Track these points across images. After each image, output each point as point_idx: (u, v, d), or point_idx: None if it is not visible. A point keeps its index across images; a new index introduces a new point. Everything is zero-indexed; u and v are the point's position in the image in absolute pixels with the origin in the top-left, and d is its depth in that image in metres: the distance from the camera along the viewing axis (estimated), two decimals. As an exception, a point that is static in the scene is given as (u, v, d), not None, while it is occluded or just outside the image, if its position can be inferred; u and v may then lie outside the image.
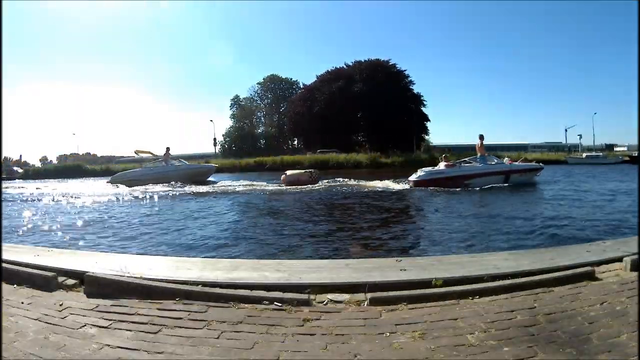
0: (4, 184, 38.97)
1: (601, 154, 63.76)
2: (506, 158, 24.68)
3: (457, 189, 20.03)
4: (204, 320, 3.46)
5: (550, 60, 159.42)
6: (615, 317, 3.29)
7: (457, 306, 3.69)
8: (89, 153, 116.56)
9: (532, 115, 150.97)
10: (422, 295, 3.87)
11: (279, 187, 24.35)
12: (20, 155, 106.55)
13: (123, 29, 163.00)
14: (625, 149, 79.25)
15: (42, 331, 3.29)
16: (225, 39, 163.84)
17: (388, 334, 3.16)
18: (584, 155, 61.32)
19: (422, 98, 70.90)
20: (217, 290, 4.05)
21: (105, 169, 60.06)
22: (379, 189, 21.67)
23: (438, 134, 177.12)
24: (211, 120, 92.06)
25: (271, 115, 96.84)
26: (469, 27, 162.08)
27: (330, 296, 3.99)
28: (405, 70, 71.54)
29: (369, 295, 3.87)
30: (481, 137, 22.43)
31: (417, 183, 21.39)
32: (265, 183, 27.53)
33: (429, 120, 72.09)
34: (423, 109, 70.95)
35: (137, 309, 3.72)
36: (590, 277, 4.25)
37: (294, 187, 24.05)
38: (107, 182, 34.15)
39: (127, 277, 4.37)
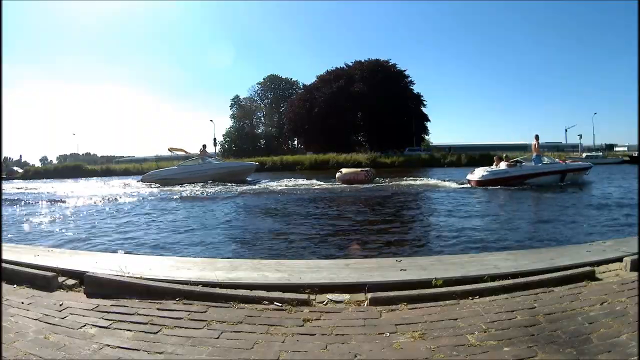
0: (22, 184, 38.75)
1: (600, 153, 63.84)
2: (556, 158, 25.15)
3: (524, 188, 20.46)
4: (204, 320, 3.46)
5: (551, 60, 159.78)
6: (615, 317, 3.29)
7: (457, 306, 3.69)
8: (89, 153, 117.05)
9: (532, 115, 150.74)
10: (422, 295, 3.87)
11: (337, 186, 24.48)
12: (20, 155, 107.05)
13: (123, 29, 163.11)
14: (625, 149, 79.31)
15: (42, 331, 3.29)
16: (225, 39, 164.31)
17: (388, 334, 3.16)
18: (584, 155, 61.33)
19: (422, 98, 71.20)
20: (217, 290, 4.05)
21: (105, 169, 60.26)
22: (440, 188, 22.06)
23: (438, 133, 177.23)
24: (211, 120, 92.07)
25: (271, 115, 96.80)
26: (470, 27, 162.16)
27: (330, 296, 3.99)
28: (405, 71, 71.98)
29: (369, 295, 3.87)
30: (537, 137, 22.74)
31: (480, 182, 21.58)
32: (315, 182, 27.25)
33: (429, 120, 72.54)
34: (423, 109, 71.18)
35: (137, 309, 3.72)
36: (590, 277, 4.25)
37: (352, 185, 24.24)
38: (138, 181, 33.17)
39: (127, 277, 4.37)
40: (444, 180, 25.47)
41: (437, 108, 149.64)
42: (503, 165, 22.38)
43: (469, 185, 22.16)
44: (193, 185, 27.62)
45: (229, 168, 33.32)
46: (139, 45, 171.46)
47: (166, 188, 26.80)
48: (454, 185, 23.21)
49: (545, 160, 23.35)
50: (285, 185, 26.19)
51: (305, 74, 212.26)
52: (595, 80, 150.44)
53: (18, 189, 32.14)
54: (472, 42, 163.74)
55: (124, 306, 3.80)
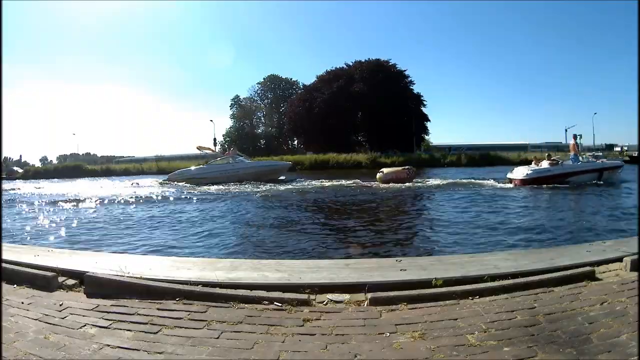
0: (45, 184, 38.33)
1: (600, 153, 63.70)
2: (589, 155, 25.85)
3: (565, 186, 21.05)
4: (204, 320, 3.46)
5: (551, 60, 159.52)
6: (615, 317, 3.29)
7: (457, 306, 3.69)
8: (89, 153, 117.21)
9: (532, 115, 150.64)
10: (422, 295, 3.87)
11: (379, 186, 24.55)
12: (20, 155, 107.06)
13: (123, 29, 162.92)
14: (625, 148, 79.22)
15: (42, 331, 3.30)
16: (225, 39, 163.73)
17: (388, 334, 3.16)
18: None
19: (422, 98, 71.04)
20: (217, 290, 4.05)
21: (105, 169, 60.26)
22: (484, 187, 22.23)
23: (438, 133, 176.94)
24: (211, 120, 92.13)
25: (271, 115, 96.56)
26: (470, 27, 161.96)
27: (330, 296, 3.99)
28: (405, 71, 71.71)
29: (369, 295, 3.87)
30: (575, 137, 23.69)
31: (524, 181, 22.01)
32: (356, 181, 27.07)
33: (429, 120, 72.27)
34: (423, 109, 71.04)
35: (137, 309, 3.72)
36: (590, 277, 4.25)
37: (396, 184, 24.37)
38: (163, 181, 32.00)
39: (127, 277, 4.37)
40: (482, 179, 25.75)
41: (437, 108, 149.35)
42: (545, 164, 22.74)
43: (510, 185, 22.46)
44: (237, 184, 27.05)
45: (261, 167, 32.80)
46: (139, 45, 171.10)
47: (199, 187, 26.32)
48: (496, 184, 23.42)
49: (583, 158, 23.88)
50: (329, 185, 26.17)
51: (306, 74, 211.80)
52: (595, 80, 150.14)
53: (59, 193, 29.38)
54: (472, 42, 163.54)
55: (124, 306, 3.80)
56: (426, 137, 76.76)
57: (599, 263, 4.68)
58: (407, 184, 24.63)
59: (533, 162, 23.72)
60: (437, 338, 3.06)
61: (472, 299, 3.83)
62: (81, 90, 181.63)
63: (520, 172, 22.57)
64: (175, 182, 30.66)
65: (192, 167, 33.72)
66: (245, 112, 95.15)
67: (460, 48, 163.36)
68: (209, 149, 35.85)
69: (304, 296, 3.93)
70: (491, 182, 24.19)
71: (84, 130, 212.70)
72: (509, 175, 23.29)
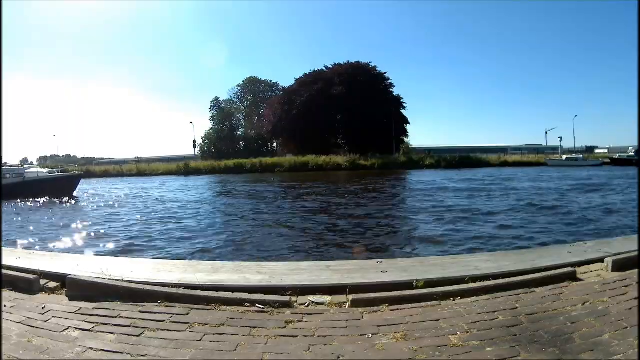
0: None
1: (581, 156, 64.38)
2: None
3: None
4: (187, 323, 3.45)
5: (532, 62, 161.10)
6: (598, 316, 3.34)
7: (438, 307, 3.72)
8: (69, 155, 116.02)
9: (512, 117, 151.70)
10: (404, 297, 3.90)
11: None
12: (0, 157, 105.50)
13: (112, 27, 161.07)
14: (606, 151, 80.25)
15: (25, 334, 3.26)
16: (217, 42, 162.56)
17: (370, 335, 3.18)
18: (564, 157, 61.98)
19: (402, 101, 71.12)
20: (199, 292, 4.03)
21: (85, 171, 59.57)
22: None
23: (418, 136, 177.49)
24: (191, 122, 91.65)
25: (251, 117, 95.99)
26: (450, 29, 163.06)
27: (311, 298, 4.00)
28: (385, 73, 71.64)
29: (351, 296, 3.89)
30: None
31: None
32: None
33: (409, 123, 72.30)
34: (403, 111, 71.18)
35: (120, 312, 3.70)
36: (572, 277, 4.31)
37: None
38: None
39: (109, 279, 4.33)
40: None
41: (417, 110, 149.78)
42: None
43: None
44: None
45: None
46: (127, 46, 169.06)
47: None
48: None
49: None
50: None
51: (286, 77, 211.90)
52: (576, 83, 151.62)
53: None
54: (454, 44, 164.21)
55: (106, 309, 3.77)
56: (406, 139, 76.84)
57: (580, 264, 4.75)
58: None
59: None
60: (419, 339, 3.08)
61: (453, 300, 3.86)
62: (62, 90, 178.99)
63: None
64: None
65: None
66: (224, 114, 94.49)
67: (440, 50, 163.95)
68: None
69: (285, 298, 3.93)
70: None
71: (64, 132, 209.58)
72: None
